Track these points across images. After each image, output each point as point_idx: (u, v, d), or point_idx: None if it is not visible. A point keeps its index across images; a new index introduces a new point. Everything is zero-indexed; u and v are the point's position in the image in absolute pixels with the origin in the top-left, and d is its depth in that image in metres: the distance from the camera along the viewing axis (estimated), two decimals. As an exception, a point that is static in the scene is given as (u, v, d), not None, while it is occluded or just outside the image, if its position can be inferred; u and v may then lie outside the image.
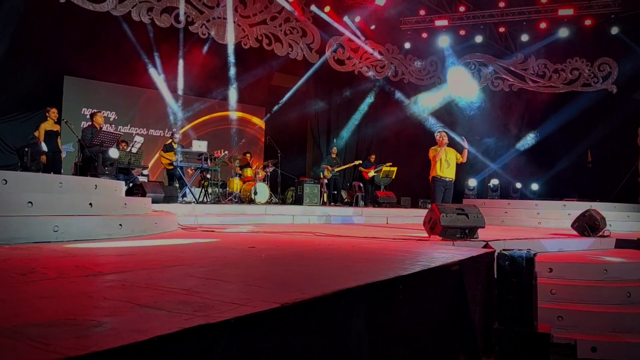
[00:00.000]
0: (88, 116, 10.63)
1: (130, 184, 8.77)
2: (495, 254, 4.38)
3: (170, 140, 10.87)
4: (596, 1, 13.94)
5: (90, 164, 8.22)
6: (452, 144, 8.76)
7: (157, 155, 13.03)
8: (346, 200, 13.90)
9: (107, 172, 8.12)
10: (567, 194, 13.23)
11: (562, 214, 10.30)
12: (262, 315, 1.85)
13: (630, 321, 4.83)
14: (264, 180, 11.51)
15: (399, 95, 16.24)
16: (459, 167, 8.61)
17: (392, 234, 6.69)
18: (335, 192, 13.52)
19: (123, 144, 10.07)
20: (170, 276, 2.84)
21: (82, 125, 11.07)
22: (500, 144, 15.32)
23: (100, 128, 8.86)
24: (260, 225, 8.37)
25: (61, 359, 1.26)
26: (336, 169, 13.27)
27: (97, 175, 7.77)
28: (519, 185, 14.40)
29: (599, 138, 14.08)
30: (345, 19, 14.78)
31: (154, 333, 1.49)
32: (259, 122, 15.78)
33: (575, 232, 7.68)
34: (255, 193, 10.76)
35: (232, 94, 14.08)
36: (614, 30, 14.02)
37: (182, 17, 12.23)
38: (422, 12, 15.50)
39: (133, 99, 13.38)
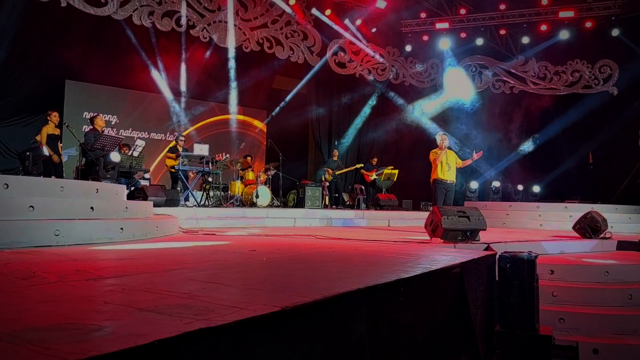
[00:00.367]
0: (89, 120, 10.65)
1: (132, 188, 8.78)
2: (497, 256, 4.38)
3: (175, 143, 10.95)
4: (597, 3, 13.95)
5: (92, 167, 8.23)
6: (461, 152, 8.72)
7: (162, 156, 13.09)
8: (348, 203, 13.89)
9: (108, 176, 8.12)
10: (569, 195, 13.22)
11: (563, 215, 10.30)
12: (263, 319, 1.85)
13: (632, 323, 4.82)
14: (265, 184, 11.51)
15: (400, 97, 16.25)
16: (461, 170, 8.61)
17: (394, 237, 6.69)
18: (337, 194, 13.51)
19: (125, 147, 10.09)
20: (171, 280, 2.84)
21: (83, 129, 11.10)
22: (501, 146, 15.31)
23: (102, 131, 8.88)
24: (262, 228, 8.37)
25: (61, 363, 1.27)
26: (337, 172, 13.26)
27: (99, 179, 7.78)
28: (520, 187, 14.38)
29: (600, 140, 14.06)
30: (346, 22, 14.80)
31: (154, 337, 1.49)
32: (260, 125, 15.79)
33: (576, 234, 7.67)
34: (257, 196, 10.75)
35: (233, 97, 14.10)
36: (615, 32, 14.01)
37: (183, 21, 12.26)
38: (422, 15, 15.52)
39: (134, 103, 13.40)
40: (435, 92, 16.24)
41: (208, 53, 13.03)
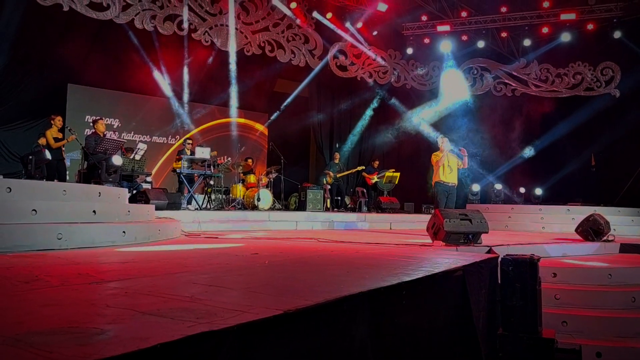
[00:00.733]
0: (91, 123, 10.68)
1: (134, 191, 8.79)
2: (499, 259, 4.37)
3: (183, 147, 11.09)
4: (598, 5, 13.94)
5: (94, 171, 8.25)
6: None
7: (164, 159, 13.14)
8: (349, 206, 13.88)
9: (110, 179, 8.14)
10: (571, 198, 13.19)
11: (566, 218, 10.28)
12: (265, 323, 1.85)
13: (635, 326, 4.81)
14: (267, 187, 11.51)
15: (401, 101, 16.25)
16: (463, 172, 8.63)
17: (396, 240, 6.69)
18: (339, 197, 13.50)
19: (127, 151, 10.11)
20: (173, 283, 2.84)
21: (85, 133, 11.12)
22: (503, 149, 15.29)
23: (104, 135, 8.90)
24: (264, 231, 8.37)
25: (64, 367, 1.27)
26: (338, 175, 13.26)
27: (101, 183, 7.80)
28: (522, 190, 14.36)
29: (602, 142, 14.05)
30: (347, 25, 14.82)
31: (156, 340, 1.49)
32: (262, 129, 15.81)
33: (579, 237, 7.66)
34: (259, 199, 10.75)
35: (235, 100, 14.12)
36: (617, 35, 14.00)
37: (185, 25, 12.31)
38: (424, 18, 15.53)
39: (136, 106, 13.42)
40: (437, 94, 16.23)
41: (210, 58, 13.06)
